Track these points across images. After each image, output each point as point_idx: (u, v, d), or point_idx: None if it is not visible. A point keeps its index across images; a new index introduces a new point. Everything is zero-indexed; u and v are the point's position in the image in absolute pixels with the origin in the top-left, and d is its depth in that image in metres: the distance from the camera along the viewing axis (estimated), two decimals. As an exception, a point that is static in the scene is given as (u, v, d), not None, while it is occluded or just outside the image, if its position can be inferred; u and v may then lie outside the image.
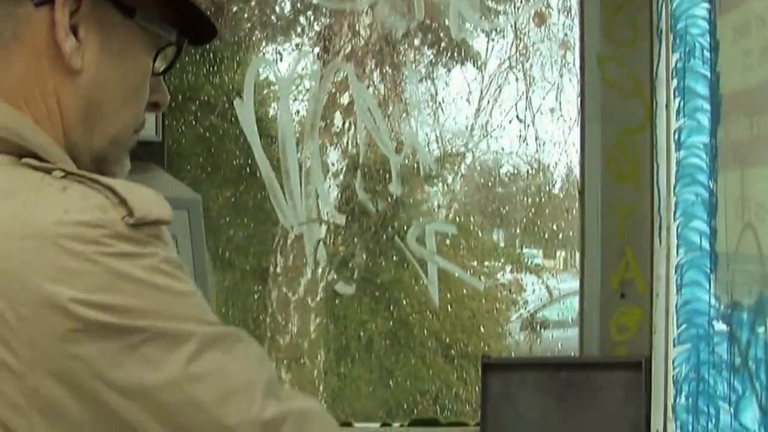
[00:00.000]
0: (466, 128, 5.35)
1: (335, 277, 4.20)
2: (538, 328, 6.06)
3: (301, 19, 5.19)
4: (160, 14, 1.39)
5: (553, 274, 5.90)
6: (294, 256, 5.11)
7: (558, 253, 6.19)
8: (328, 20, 5.13)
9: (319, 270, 4.88)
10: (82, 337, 1.09)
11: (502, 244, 6.19)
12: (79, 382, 1.10)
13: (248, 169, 4.82)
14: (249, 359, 1.21)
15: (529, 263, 6.02)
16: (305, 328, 5.18)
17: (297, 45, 5.25)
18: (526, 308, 6.17)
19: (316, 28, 5.22)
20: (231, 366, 1.17)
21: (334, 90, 4.65)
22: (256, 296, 5.29)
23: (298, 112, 4.44)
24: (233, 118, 4.41)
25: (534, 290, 6.03)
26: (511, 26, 4.80)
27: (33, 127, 1.26)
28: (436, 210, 5.33)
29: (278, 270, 5.21)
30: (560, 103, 4.98)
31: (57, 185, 1.17)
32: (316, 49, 5.13)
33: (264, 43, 5.20)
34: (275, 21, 5.11)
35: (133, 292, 1.13)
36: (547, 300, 6.11)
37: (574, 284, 5.99)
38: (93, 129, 1.34)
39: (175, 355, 1.13)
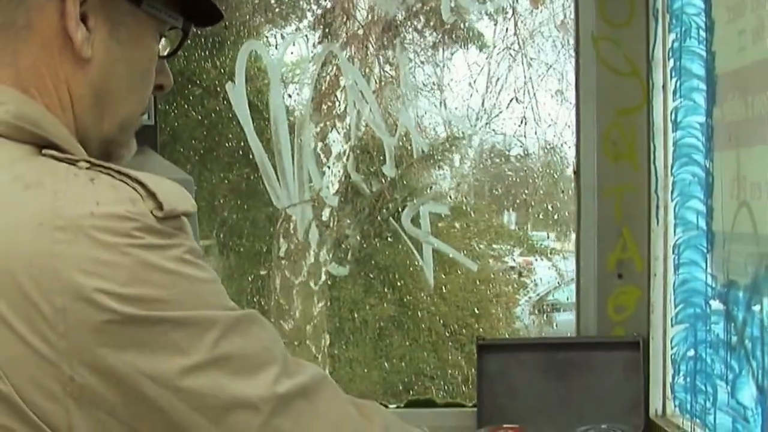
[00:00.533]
0: (466, 111, 5.36)
1: (329, 258, 4.21)
2: (537, 311, 6.08)
3: (302, 3, 5.19)
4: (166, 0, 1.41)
5: (564, 257, 5.90)
6: (294, 239, 5.12)
7: (568, 236, 6.19)
8: (328, 3, 5.14)
9: (322, 252, 4.91)
10: (115, 329, 1.13)
11: (512, 227, 6.20)
12: (113, 371, 1.13)
13: (240, 152, 4.84)
14: (264, 339, 1.25)
15: (536, 245, 6.03)
16: (305, 310, 5.20)
17: (297, 29, 5.25)
18: (535, 291, 6.18)
19: (317, 12, 5.23)
20: (249, 346, 1.22)
21: (334, 72, 4.67)
22: (250, 278, 5.31)
23: (290, 95, 4.46)
24: (226, 102, 4.44)
25: (535, 270, 6.05)
26: (510, 7, 4.81)
27: (49, 116, 1.29)
28: (428, 191, 5.32)
29: (281, 253, 5.22)
30: (561, 85, 4.99)
31: (84, 176, 1.19)
32: (317, 33, 5.13)
33: (264, 28, 5.20)
34: (274, 5, 5.11)
35: (162, 284, 1.16)
36: (554, 283, 6.11)
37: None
38: (103, 116, 1.37)
39: (202, 341, 1.17)
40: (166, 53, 1.49)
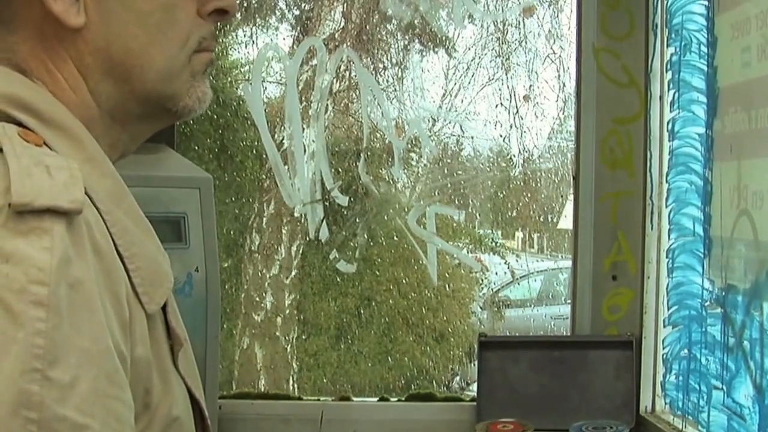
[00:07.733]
0: (439, 113, 5.41)
1: (337, 255, 4.27)
2: (489, 307, 6.17)
3: (280, 3, 5.23)
4: None
5: (517, 256, 6.00)
6: (270, 233, 5.16)
7: (516, 235, 6.31)
8: (307, 5, 5.17)
9: (300, 248, 4.96)
10: None
11: (463, 225, 6.27)
12: None
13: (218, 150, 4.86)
14: None
15: (492, 244, 6.11)
16: (276, 303, 5.23)
17: (275, 28, 5.28)
18: (489, 288, 6.26)
19: (296, 12, 5.27)
20: None
21: (311, 73, 4.71)
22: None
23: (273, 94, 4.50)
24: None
25: (488, 268, 6.12)
26: (495, 16, 4.86)
27: (33, 93, 1.17)
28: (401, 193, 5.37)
29: (254, 247, 5.25)
30: (538, 93, 5.05)
31: None
32: (295, 33, 5.17)
33: (241, 26, 5.22)
34: (254, 3, 5.15)
35: None
36: (509, 279, 6.21)
37: (532, 265, 6.15)
38: (128, 76, 1.23)
39: None
40: None
